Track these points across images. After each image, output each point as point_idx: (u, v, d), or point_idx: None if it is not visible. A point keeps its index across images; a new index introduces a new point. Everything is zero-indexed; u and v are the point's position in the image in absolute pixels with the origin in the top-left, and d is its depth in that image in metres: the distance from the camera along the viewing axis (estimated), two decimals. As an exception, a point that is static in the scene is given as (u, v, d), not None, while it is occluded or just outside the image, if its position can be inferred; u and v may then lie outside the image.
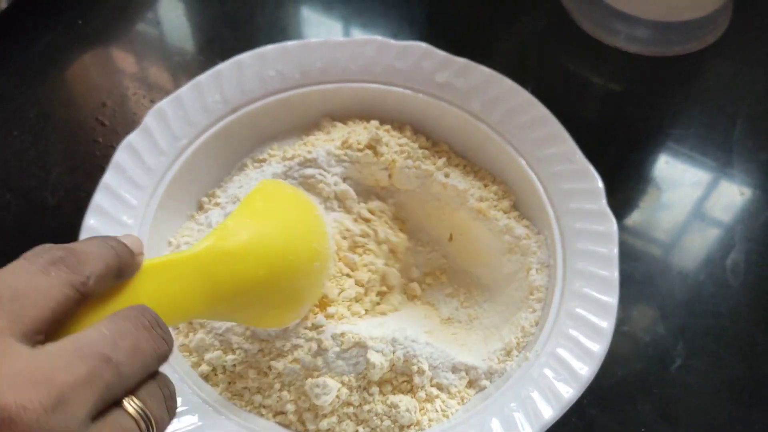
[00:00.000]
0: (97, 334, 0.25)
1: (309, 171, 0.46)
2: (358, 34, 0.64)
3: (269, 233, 0.37)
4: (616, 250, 0.42)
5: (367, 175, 0.47)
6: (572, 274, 0.42)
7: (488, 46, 0.63)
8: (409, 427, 0.39)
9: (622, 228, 0.51)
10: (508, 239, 0.45)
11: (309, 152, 0.47)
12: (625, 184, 0.55)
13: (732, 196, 0.54)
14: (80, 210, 0.43)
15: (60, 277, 0.26)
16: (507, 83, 0.48)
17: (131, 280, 0.30)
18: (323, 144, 0.48)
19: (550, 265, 0.44)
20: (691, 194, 0.54)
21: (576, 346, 0.39)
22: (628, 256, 0.50)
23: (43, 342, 0.25)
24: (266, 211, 0.38)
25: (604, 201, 0.43)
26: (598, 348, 0.39)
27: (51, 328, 0.25)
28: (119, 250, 0.29)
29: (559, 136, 0.46)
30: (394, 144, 0.48)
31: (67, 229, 0.43)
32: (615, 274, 0.41)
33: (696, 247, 0.51)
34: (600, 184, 0.44)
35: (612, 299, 0.40)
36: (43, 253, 0.27)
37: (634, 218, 0.53)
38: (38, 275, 0.26)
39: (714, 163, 0.56)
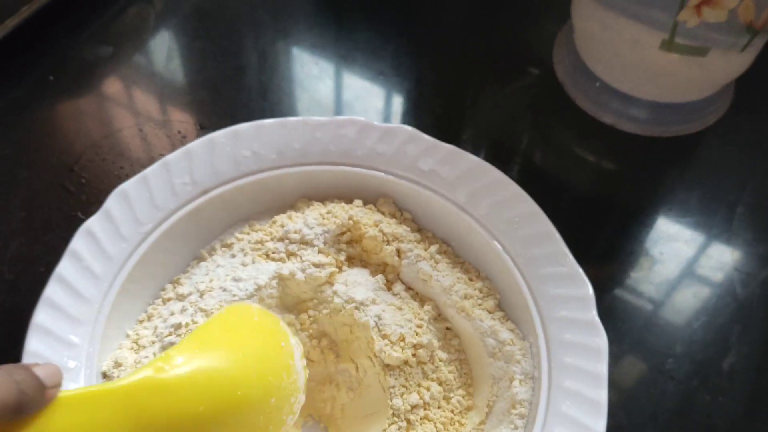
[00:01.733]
0: None
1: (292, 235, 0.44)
2: (350, 78, 0.61)
3: (214, 365, 0.33)
4: (605, 369, 0.39)
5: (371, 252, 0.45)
6: (558, 392, 0.39)
7: (480, 118, 0.61)
8: None
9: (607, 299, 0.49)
10: (492, 343, 0.43)
11: (285, 225, 0.44)
12: (610, 263, 0.52)
13: (730, 292, 0.51)
14: (38, 286, 0.40)
15: None
16: (495, 174, 0.45)
17: (38, 415, 0.28)
18: (304, 217, 0.45)
19: (535, 378, 0.41)
20: (684, 292, 0.51)
21: (560, 478, 0.36)
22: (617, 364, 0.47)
23: None
24: (219, 341, 0.35)
25: (594, 311, 0.41)
26: (585, 481, 0.36)
27: None
28: (25, 385, 0.27)
29: (548, 235, 0.43)
30: (387, 222, 0.46)
31: (23, 305, 0.40)
32: (603, 397, 0.38)
33: (691, 350, 0.49)
34: (590, 291, 0.41)
35: (600, 426, 0.37)
36: None
37: (619, 321, 0.50)
38: None
39: (712, 256, 0.53)
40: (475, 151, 0.46)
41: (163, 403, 0.30)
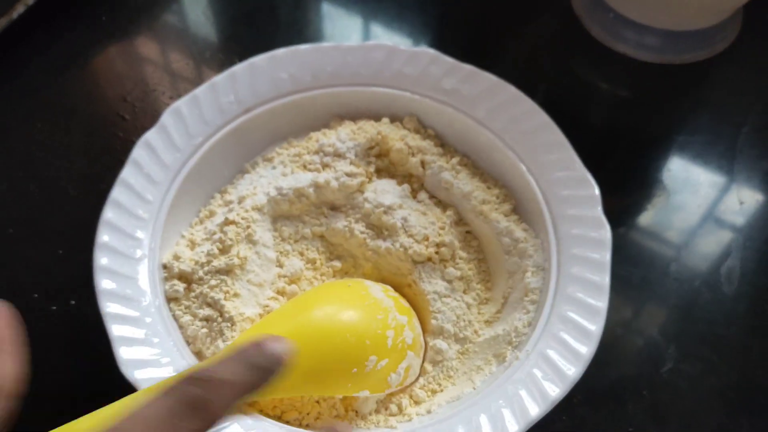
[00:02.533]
0: None
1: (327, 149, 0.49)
2: (378, 32, 0.66)
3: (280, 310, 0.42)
4: (608, 257, 0.43)
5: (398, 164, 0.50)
6: (565, 279, 0.43)
7: (499, 49, 0.65)
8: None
9: (622, 232, 0.53)
10: (507, 241, 0.47)
11: (319, 140, 0.50)
12: (627, 189, 0.56)
13: (731, 204, 0.55)
14: (100, 202, 0.45)
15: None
16: (511, 91, 0.49)
17: None
18: (337, 132, 0.50)
19: (545, 269, 0.45)
20: (690, 202, 0.55)
21: (565, 347, 0.41)
22: (626, 260, 0.52)
23: None
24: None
25: (599, 208, 0.45)
26: (586, 350, 0.40)
27: None
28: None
29: (559, 144, 0.47)
30: (412, 137, 0.50)
31: (87, 220, 0.45)
32: (606, 280, 0.42)
33: (693, 254, 0.53)
34: (596, 191, 0.45)
35: (602, 304, 0.42)
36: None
37: (635, 223, 0.54)
38: None
39: (716, 171, 0.57)
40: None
41: None
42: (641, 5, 0.60)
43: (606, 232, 0.44)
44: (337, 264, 0.49)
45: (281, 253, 0.48)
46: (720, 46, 0.62)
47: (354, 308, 0.43)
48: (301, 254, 0.48)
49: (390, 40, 0.64)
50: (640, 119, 0.60)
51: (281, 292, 0.46)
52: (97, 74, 0.62)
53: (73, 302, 0.50)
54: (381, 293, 0.45)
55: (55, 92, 0.60)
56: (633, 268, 0.52)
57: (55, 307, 0.50)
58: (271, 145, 0.52)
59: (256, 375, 0.28)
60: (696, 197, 0.55)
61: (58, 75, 0.61)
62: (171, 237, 0.47)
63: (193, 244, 0.47)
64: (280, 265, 0.47)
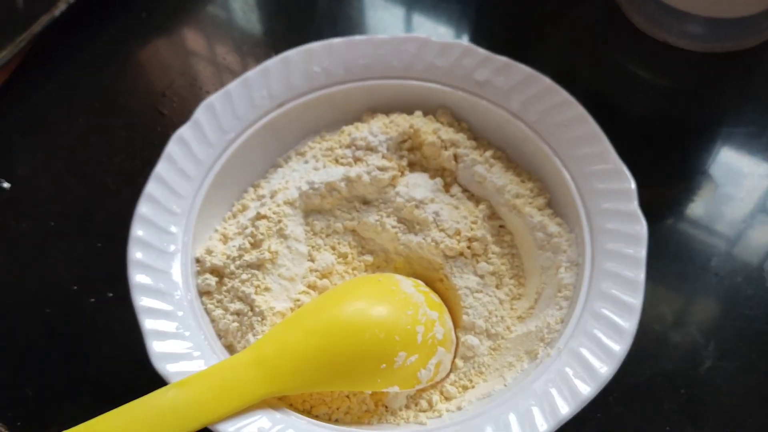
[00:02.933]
0: None
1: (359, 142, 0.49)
2: (419, 21, 0.65)
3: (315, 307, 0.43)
4: (644, 252, 0.42)
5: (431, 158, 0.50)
6: (599, 274, 0.43)
7: (538, 38, 0.64)
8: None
9: (661, 225, 0.52)
10: (541, 236, 0.46)
11: (351, 134, 0.50)
12: (667, 181, 0.55)
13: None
14: (137, 196, 0.46)
15: None
16: (546, 82, 0.49)
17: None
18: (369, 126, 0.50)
19: (579, 264, 0.44)
20: (733, 195, 0.53)
21: (597, 345, 0.40)
22: (665, 255, 0.51)
23: None
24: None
25: (635, 202, 0.44)
26: (619, 348, 0.39)
27: None
28: None
29: (594, 137, 0.47)
30: (445, 130, 0.50)
31: (125, 213, 0.46)
32: (641, 276, 0.42)
33: (735, 249, 0.51)
34: (633, 185, 0.44)
35: (636, 301, 0.41)
36: None
37: (675, 216, 0.53)
38: None
39: (761, 163, 0.55)
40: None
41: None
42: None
43: (642, 228, 0.43)
44: (369, 258, 0.49)
45: (313, 247, 0.48)
46: (766, 34, 0.60)
47: (384, 303, 0.43)
48: (333, 248, 0.48)
49: (429, 30, 0.64)
50: (682, 110, 0.59)
51: (312, 287, 0.47)
52: (136, 69, 0.63)
53: (110, 294, 0.51)
54: (412, 288, 0.45)
55: (96, 88, 0.61)
56: (672, 263, 0.51)
57: (93, 300, 0.51)
58: (304, 139, 0.52)
59: None
60: (739, 190, 0.54)
61: (99, 71, 0.62)
62: (204, 231, 0.48)
63: (225, 239, 0.48)
64: (312, 260, 0.48)
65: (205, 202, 0.47)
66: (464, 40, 0.55)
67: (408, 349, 0.42)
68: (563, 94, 0.48)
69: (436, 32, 0.64)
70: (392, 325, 0.42)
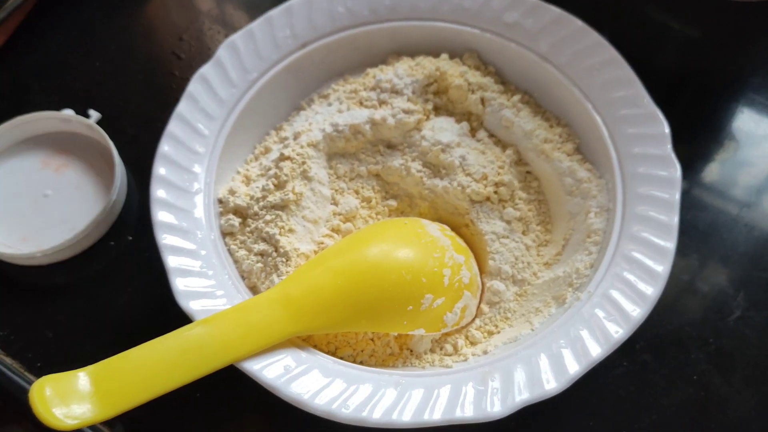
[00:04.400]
0: None
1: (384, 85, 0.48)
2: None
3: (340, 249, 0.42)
4: (678, 196, 0.41)
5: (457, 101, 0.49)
6: (631, 218, 0.42)
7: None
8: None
9: (690, 177, 0.50)
10: (570, 182, 0.45)
11: (376, 76, 0.48)
12: (698, 134, 0.54)
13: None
14: (156, 139, 0.45)
15: None
16: (577, 24, 0.47)
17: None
18: (395, 68, 0.49)
19: (610, 209, 0.43)
20: (765, 148, 0.52)
21: (629, 288, 0.39)
22: (694, 206, 0.50)
23: None
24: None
25: (669, 146, 0.43)
26: (652, 291, 0.39)
27: None
28: None
29: (627, 80, 0.45)
30: (472, 74, 0.48)
31: (144, 156, 0.45)
32: (675, 220, 0.41)
33: (765, 202, 0.50)
34: (666, 129, 0.43)
35: (670, 244, 0.40)
36: None
37: (703, 168, 0.52)
38: None
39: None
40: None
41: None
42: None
43: (676, 171, 0.42)
44: (393, 203, 0.48)
45: (336, 191, 0.47)
46: (801, -18, 0.58)
47: (410, 246, 0.42)
48: (357, 192, 0.47)
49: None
50: (710, 61, 0.57)
51: (336, 230, 0.46)
52: (153, 12, 0.62)
53: (130, 238, 0.50)
54: (438, 232, 0.44)
55: (113, 31, 0.60)
56: (700, 213, 0.50)
57: (113, 243, 0.50)
58: (328, 82, 0.51)
59: None
60: (770, 141, 0.52)
61: (115, 13, 0.61)
62: (226, 172, 0.47)
63: (248, 180, 0.47)
64: (335, 203, 0.47)
65: (227, 142, 0.46)
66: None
67: (435, 291, 0.41)
68: (594, 36, 0.47)
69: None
70: (419, 267, 0.41)
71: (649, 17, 0.60)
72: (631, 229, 0.41)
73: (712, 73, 0.56)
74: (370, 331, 0.42)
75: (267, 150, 0.48)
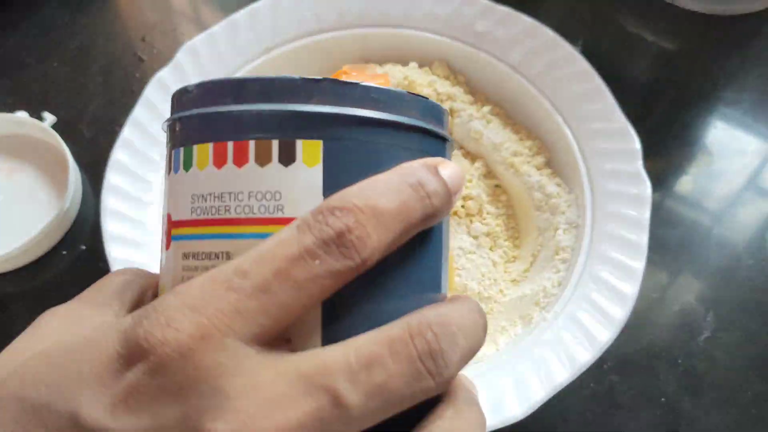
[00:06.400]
0: (341, 359, 0.18)
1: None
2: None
3: None
4: (647, 215, 0.40)
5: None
6: (600, 236, 0.41)
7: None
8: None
9: (662, 192, 0.50)
10: (539, 196, 0.44)
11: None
12: (670, 147, 0.53)
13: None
14: (114, 143, 0.43)
15: (326, 264, 0.19)
16: (548, 35, 0.46)
17: None
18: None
19: (579, 226, 0.42)
20: (737, 162, 0.52)
21: (597, 310, 0.38)
22: (665, 222, 0.49)
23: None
24: None
25: (640, 162, 0.42)
26: (620, 314, 0.38)
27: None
28: (435, 199, 0.21)
29: (598, 93, 0.44)
30: (441, 83, 0.47)
31: (102, 161, 0.43)
32: (644, 239, 0.40)
33: (737, 218, 0.49)
34: (637, 145, 0.42)
35: (639, 264, 0.39)
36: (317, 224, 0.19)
37: (675, 182, 0.51)
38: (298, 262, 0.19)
39: (764, 133, 0.53)
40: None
41: None
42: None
43: (646, 188, 0.41)
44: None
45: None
46: (775, -3, 0.58)
47: None
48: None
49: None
50: (684, 74, 0.56)
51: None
52: (116, 12, 0.60)
53: (83, 247, 0.48)
54: None
55: (73, 30, 0.58)
56: (671, 230, 0.49)
57: (65, 252, 0.48)
58: (292, 89, 0.49)
59: (426, 202, 0.20)
60: (742, 158, 0.52)
61: (77, 12, 0.59)
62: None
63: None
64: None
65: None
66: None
67: None
68: (567, 48, 0.46)
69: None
70: None
71: (624, 29, 0.59)
72: (600, 247, 0.40)
73: (685, 85, 0.56)
74: None
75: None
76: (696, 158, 0.52)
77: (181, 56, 0.46)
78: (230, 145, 0.20)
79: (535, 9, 0.57)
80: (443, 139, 0.23)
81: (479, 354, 0.40)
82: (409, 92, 0.22)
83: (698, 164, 0.52)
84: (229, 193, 0.20)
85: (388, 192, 0.20)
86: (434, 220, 0.21)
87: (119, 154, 0.42)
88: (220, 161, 0.21)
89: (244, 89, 0.21)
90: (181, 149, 0.21)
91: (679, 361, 0.44)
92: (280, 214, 0.20)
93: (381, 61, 0.49)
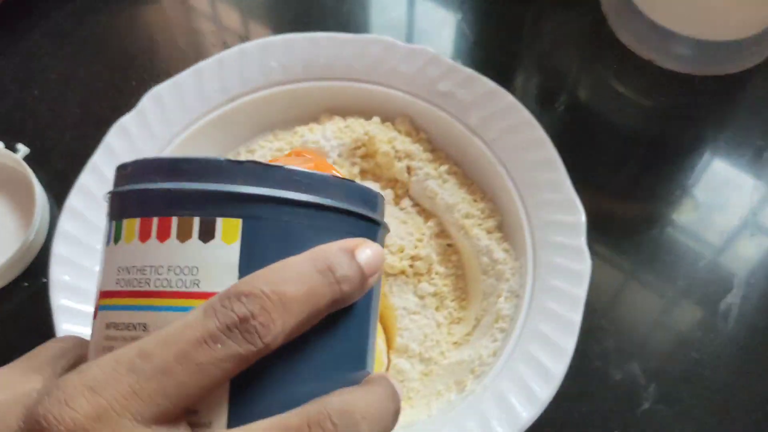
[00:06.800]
0: None
1: (310, 146, 0.47)
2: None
3: None
4: (584, 293, 0.41)
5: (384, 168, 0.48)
6: (536, 310, 0.41)
7: (520, 45, 0.61)
8: None
9: (613, 254, 0.50)
10: (486, 261, 0.45)
11: (304, 135, 0.47)
12: (634, 203, 0.53)
13: (742, 237, 0.51)
14: (83, 179, 0.44)
15: (228, 349, 0.19)
16: (508, 100, 0.46)
17: None
18: (324, 129, 0.48)
19: (519, 296, 0.43)
20: (697, 228, 0.52)
21: (523, 388, 0.38)
22: (618, 291, 0.49)
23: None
24: None
25: (583, 238, 0.42)
26: (545, 394, 0.38)
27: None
28: (345, 284, 0.21)
29: (551, 162, 0.45)
30: (401, 140, 0.48)
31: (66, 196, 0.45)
32: (577, 318, 0.40)
33: (690, 286, 0.49)
34: (583, 218, 0.43)
35: (569, 344, 0.39)
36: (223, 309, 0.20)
37: (630, 247, 0.51)
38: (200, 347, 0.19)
39: (733, 200, 0.53)
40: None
41: None
42: (673, 11, 0.56)
43: (586, 266, 0.41)
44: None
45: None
46: (754, 59, 0.58)
47: None
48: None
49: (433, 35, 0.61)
50: (663, 130, 0.56)
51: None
52: (99, 43, 0.61)
53: (44, 280, 0.49)
54: None
55: (57, 58, 0.59)
56: (625, 297, 0.49)
57: (27, 284, 0.49)
58: (257, 137, 0.50)
59: (327, 291, 0.21)
60: (707, 223, 0.52)
61: (60, 42, 0.60)
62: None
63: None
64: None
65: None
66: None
67: None
68: (524, 114, 0.46)
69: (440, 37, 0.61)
70: None
71: (604, 84, 0.59)
72: (534, 322, 0.41)
73: (662, 141, 0.56)
74: None
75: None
76: (653, 219, 0.52)
77: (145, 102, 0.47)
78: (155, 220, 0.22)
79: (517, 57, 0.58)
80: (373, 222, 0.24)
81: (410, 419, 0.41)
82: (334, 176, 0.23)
83: (653, 226, 0.52)
84: (150, 267, 0.21)
85: (297, 277, 0.20)
86: (344, 304, 0.22)
87: (74, 200, 0.43)
88: (144, 236, 0.22)
89: (174, 168, 0.22)
90: (113, 222, 0.23)
91: (616, 432, 0.45)
92: (196, 289, 0.21)
93: (345, 114, 0.50)
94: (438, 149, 0.49)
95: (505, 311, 0.43)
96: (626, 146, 0.55)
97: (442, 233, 0.47)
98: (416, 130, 0.49)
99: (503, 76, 0.49)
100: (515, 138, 0.46)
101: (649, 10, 0.57)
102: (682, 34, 0.57)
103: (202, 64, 0.48)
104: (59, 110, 0.57)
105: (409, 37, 0.60)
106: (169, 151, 0.46)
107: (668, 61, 0.58)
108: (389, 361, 0.44)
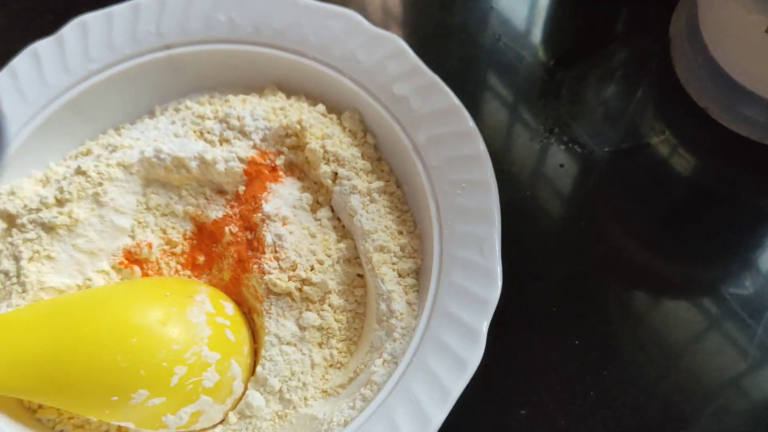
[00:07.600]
0: None
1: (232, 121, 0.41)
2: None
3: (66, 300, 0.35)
4: (458, 391, 0.32)
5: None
6: (399, 395, 0.33)
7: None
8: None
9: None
10: (383, 309, 0.37)
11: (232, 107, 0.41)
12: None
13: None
14: None
15: None
16: (466, 125, 0.38)
17: None
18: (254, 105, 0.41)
19: (397, 365, 0.35)
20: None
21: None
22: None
23: None
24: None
25: (486, 322, 0.34)
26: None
27: None
28: None
29: (487, 215, 0.36)
30: (338, 140, 0.40)
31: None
32: (439, 418, 0.32)
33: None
34: (496, 296, 0.34)
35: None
36: None
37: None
38: None
39: None
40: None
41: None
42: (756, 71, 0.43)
43: (475, 357, 0.33)
44: (201, 258, 0.41)
45: (140, 223, 0.41)
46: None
47: (147, 328, 0.35)
48: (163, 232, 0.41)
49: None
50: (730, 196, 0.45)
51: (117, 269, 0.40)
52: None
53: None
54: (202, 317, 0.37)
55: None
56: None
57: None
58: (193, 94, 0.44)
59: None
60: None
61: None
62: (28, 166, 0.41)
63: (47, 181, 0.41)
64: (133, 237, 0.41)
65: (36, 133, 0.41)
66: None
67: (153, 389, 0.35)
68: (478, 146, 0.37)
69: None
70: (142, 357, 0.34)
71: (674, 145, 0.47)
72: (393, 405, 0.33)
73: (727, 207, 0.44)
74: (67, 409, 0.36)
75: (88, 152, 0.42)
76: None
77: (67, 30, 0.41)
78: None
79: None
80: None
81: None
82: None
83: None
84: None
85: None
86: None
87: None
88: None
89: None
90: None
91: None
92: None
93: (294, 91, 0.43)
94: (383, 160, 0.41)
95: (376, 376, 0.35)
96: (691, 210, 0.44)
97: (355, 260, 0.40)
98: (364, 131, 0.41)
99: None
100: (458, 173, 0.37)
101: (731, 67, 0.44)
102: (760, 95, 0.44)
103: (140, 0, 0.42)
104: None
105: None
106: (81, 89, 0.41)
107: (743, 128, 0.46)
108: (245, 389, 0.38)
